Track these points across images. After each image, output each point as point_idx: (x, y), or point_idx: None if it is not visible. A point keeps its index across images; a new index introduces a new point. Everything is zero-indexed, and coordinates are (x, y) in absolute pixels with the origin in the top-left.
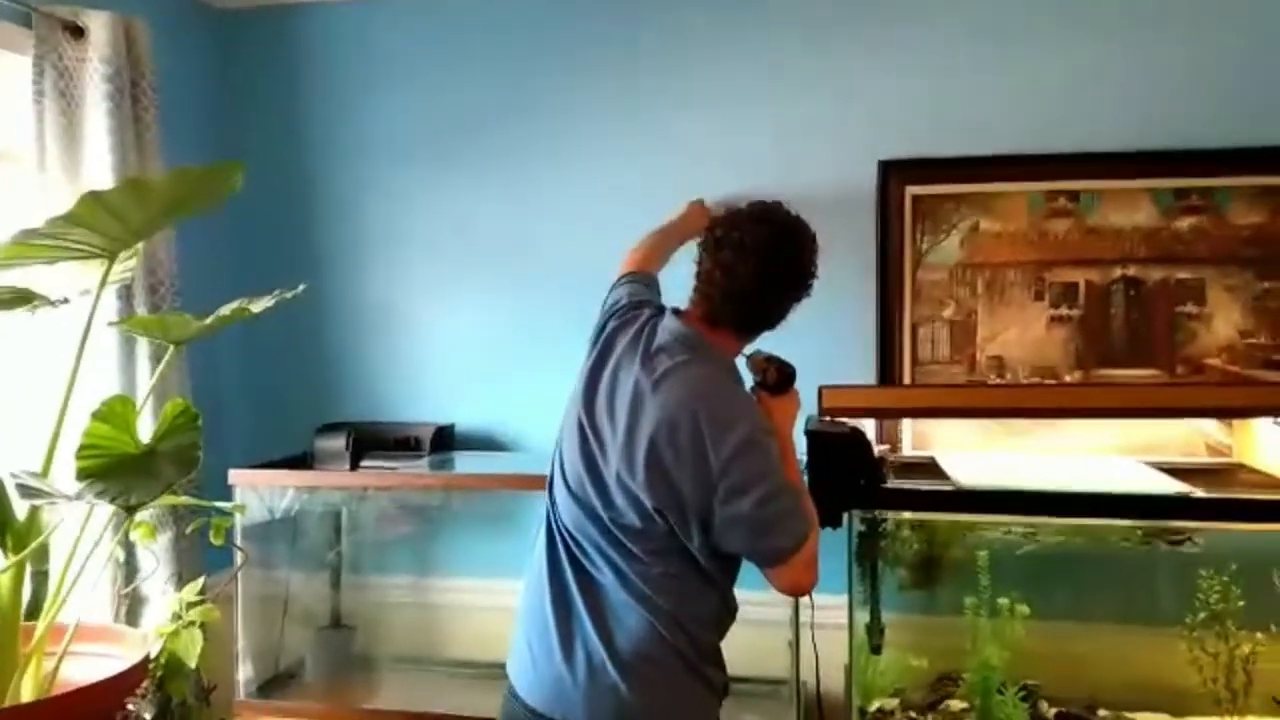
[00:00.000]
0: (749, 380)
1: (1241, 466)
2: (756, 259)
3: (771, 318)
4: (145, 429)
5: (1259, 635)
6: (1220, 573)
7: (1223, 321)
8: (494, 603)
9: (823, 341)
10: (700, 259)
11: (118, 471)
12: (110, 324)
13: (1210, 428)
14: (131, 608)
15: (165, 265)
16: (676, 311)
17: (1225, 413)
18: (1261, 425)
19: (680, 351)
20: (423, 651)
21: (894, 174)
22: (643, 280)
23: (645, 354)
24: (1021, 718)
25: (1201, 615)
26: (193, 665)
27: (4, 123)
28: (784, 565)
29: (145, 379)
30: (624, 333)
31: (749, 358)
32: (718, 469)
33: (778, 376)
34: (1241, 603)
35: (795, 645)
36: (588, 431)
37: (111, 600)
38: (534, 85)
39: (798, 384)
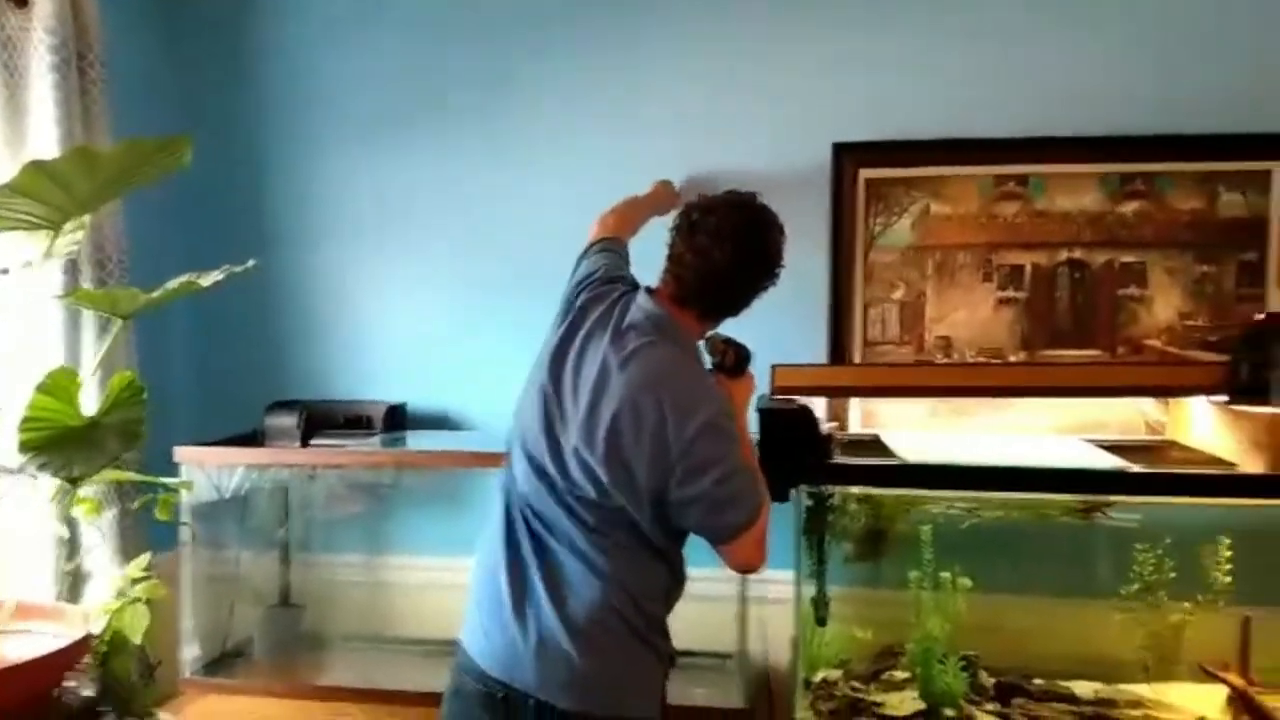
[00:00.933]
0: (707, 362)
1: (1173, 443)
2: (731, 245)
3: (738, 304)
4: (91, 404)
5: (1187, 605)
6: (1154, 546)
7: (1163, 304)
8: (445, 580)
9: (776, 321)
10: (673, 241)
11: (60, 444)
12: (56, 297)
13: (1148, 406)
14: (74, 585)
15: (113, 240)
16: (649, 290)
17: (1160, 391)
18: (1193, 403)
19: (650, 331)
20: (373, 629)
21: (848, 157)
22: (617, 250)
23: (616, 330)
24: (961, 687)
25: (1135, 587)
26: (137, 642)
27: None
28: (736, 542)
29: (91, 354)
30: (596, 306)
31: (708, 340)
32: (678, 451)
33: (735, 359)
34: (1173, 574)
35: (742, 619)
36: (550, 402)
37: (54, 578)
38: (490, 65)
39: (752, 366)
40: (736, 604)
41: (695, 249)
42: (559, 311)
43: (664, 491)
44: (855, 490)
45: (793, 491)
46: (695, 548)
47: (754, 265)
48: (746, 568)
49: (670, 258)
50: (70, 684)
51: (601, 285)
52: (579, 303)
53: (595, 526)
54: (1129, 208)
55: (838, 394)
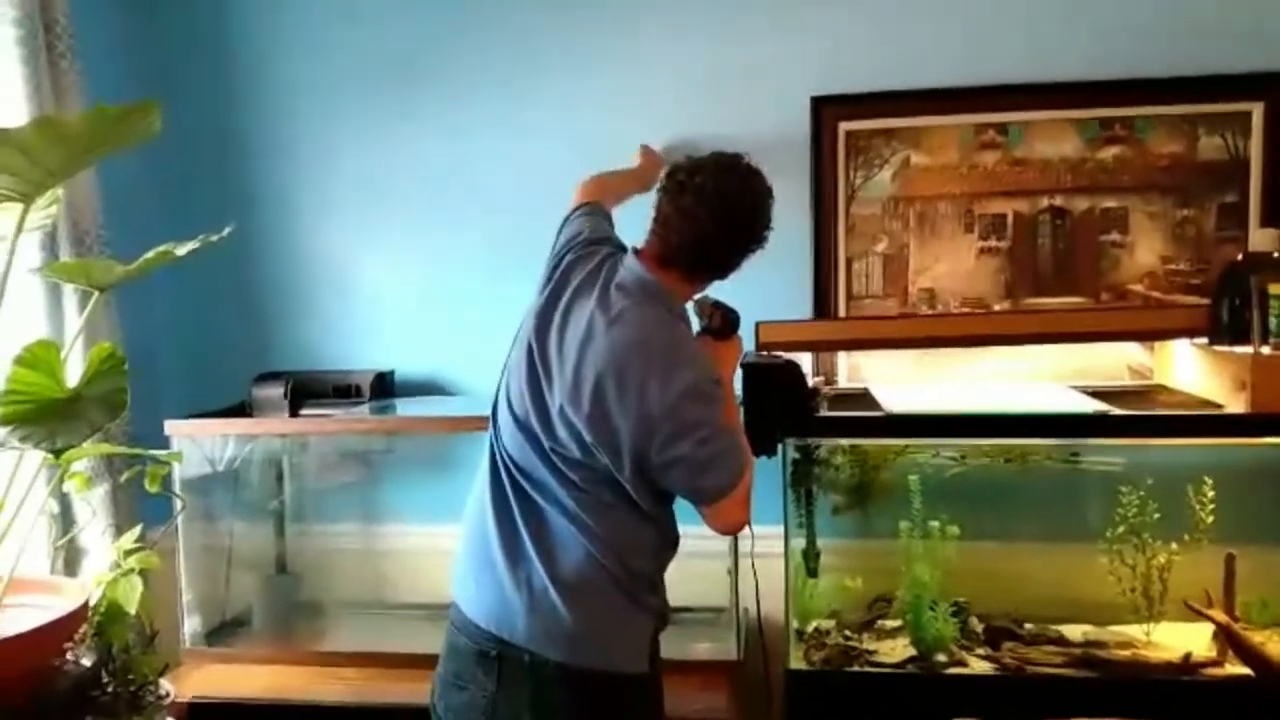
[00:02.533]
0: (696, 325)
1: (1161, 388)
2: (719, 209)
3: (726, 267)
4: (74, 377)
5: (1173, 546)
6: (1137, 488)
7: (1145, 249)
8: (438, 545)
9: (759, 277)
10: (660, 202)
11: (43, 416)
12: (31, 270)
13: (1133, 352)
14: (69, 560)
15: (90, 212)
16: (636, 251)
17: (1145, 336)
18: (1178, 347)
19: (636, 293)
20: (369, 595)
21: (827, 110)
22: (602, 214)
23: (603, 291)
24: (952, 633)
25: (1120, 529)
26: (132, 612)
27: None
28: (719, 504)
29: (74, 327)
30: (581, 267)
31: (696, 302)
32: (660, 413)
33: (723, 322)
34: (1158, 515)
35: (734, 573)
36: (536, 361)
37: (48, 553)
38: (472, 19)
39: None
40: (728, 558)
41: (682, 210)
42: (544, 273)
43: (647, 451)
44: (843, 442)
45: (780, 445)
46: (684, 504)
47: (741, 230)
48: (729, 529)
49: (656, 219)
50: (70, 656)
51: (587, 246)
52: (564, 263)
53: (581, 485)
54: (1109, 153)
55: (823, 348)
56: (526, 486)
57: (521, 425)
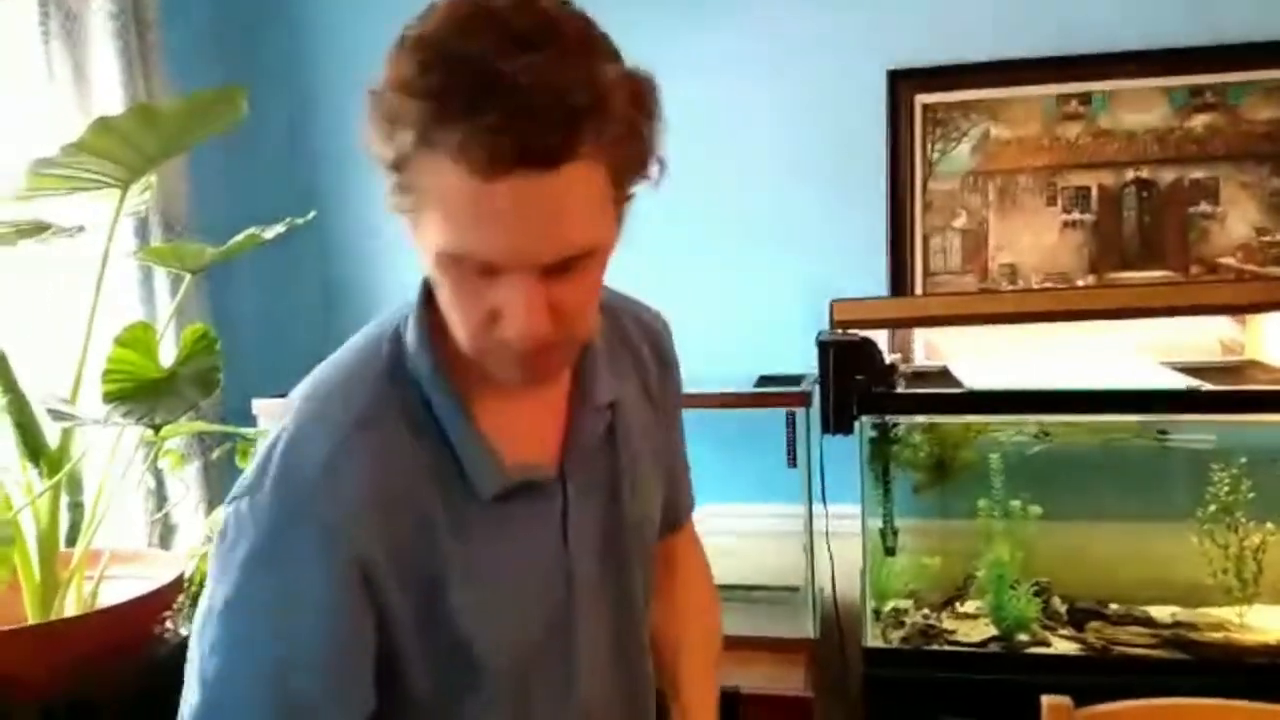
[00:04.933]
0: None
1: (1254, 363)
2: None
3: None
4: (167, 357)
5: (1269, 525)
6: (1230, 466)
7: (1237, 219)
8: None
9: (833, 255)
10: None
11: (142, 393)
12: (126, 254)
13: (1224, 326)
14: (164, 534)
15: (180, 197)
16: None
17: (1237, 309)
18: (1273, 321)
19: None
20: None
21: (903, 83)
22: None
23: None
24: (1034, 613)
25: (1212, 508)
26: None
27: (12, 67)
28: None
29: (166, 309)
30: None
31: None
32: None
33: None
34: (1251, 495)
35: (810, 551)
36: None
37: (145, 527)
38: None
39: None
40: (804, 537)
41: None
42: None
43: None
44: (920, 420)
45: (856, 424)
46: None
47: None
48: None
49: None
50: (167, 625)
51: None
52: None
53: None
54: (1198, 121)
55: (900, 325)
56: None
57: None
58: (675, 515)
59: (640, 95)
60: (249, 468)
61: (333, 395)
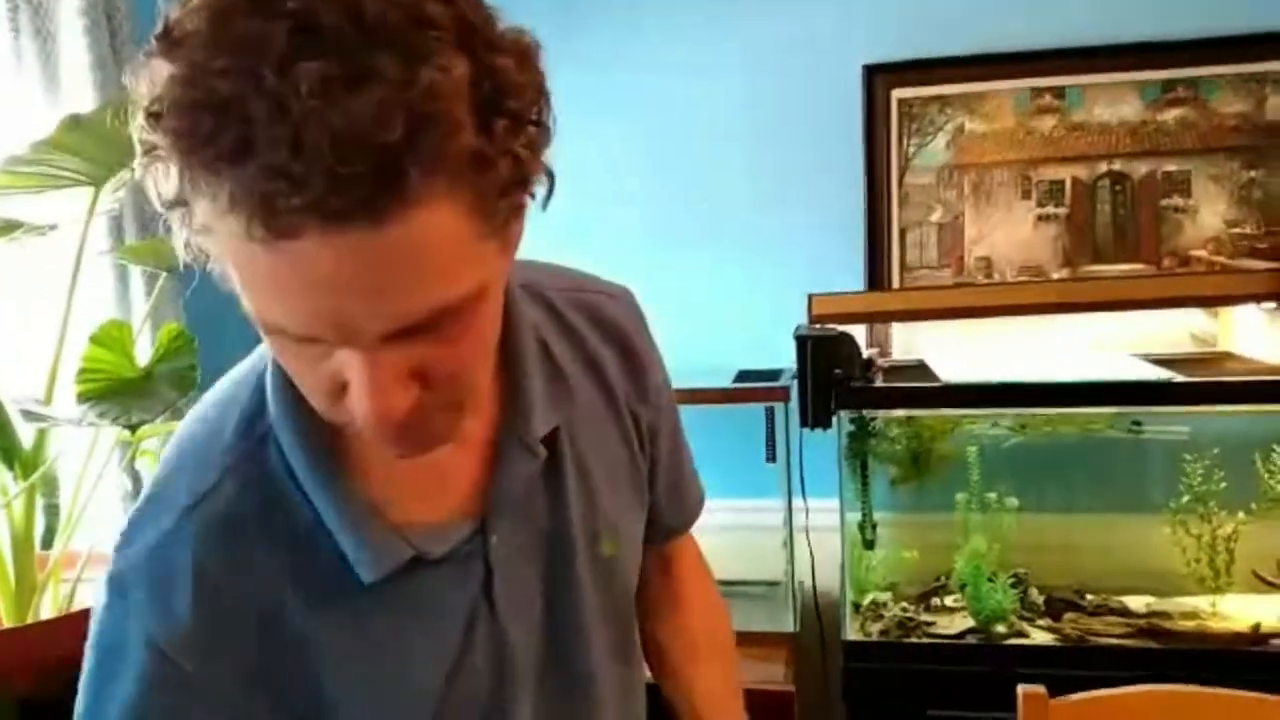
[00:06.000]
0: None
1: (1228, 355)
2: None
3: None
4: (143, 356)
5: (1240, 515)
6: (1203, 457)
7: (1209, 213)
8: None
9: (811, 250)
10: None
11: (117, 393)
12: (101, 253)
13: (1197, 319)
14: None
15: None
16: None
17: (1210, 301)
18: (1245, 313)
19: None
20: None
21: (878, 78)
22: None
23: None
24: (1012, 604)
25: (1185, 499)
26: None
27: None
28: None
29: (142, 308)
30: None
31: None
32: None
33: None
34: (1224, 485)
35: (789, 545)
36: None
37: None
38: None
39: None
40: (783, 531)
41: None
42: None
43: None
44: (898, 414)
45: (834, 418)
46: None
47: None
48: None
49: None
50: None
51: None
52: None
53: None
54: (1170, 115)
55: (877, 320)
56: None
57: None
58: (681, 519)
59: (503, 89)
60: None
61: (183, 465)
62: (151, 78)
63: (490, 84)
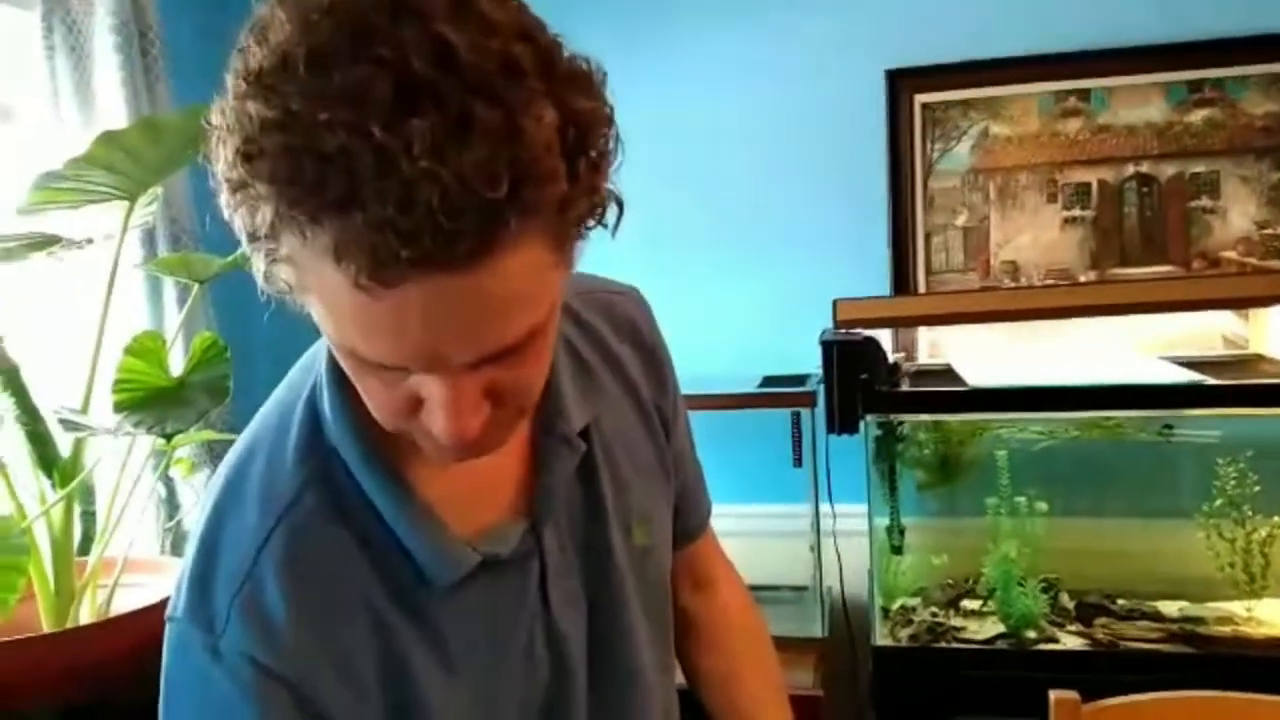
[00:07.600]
0: None
1: (1259, 357)
2: None
3: None
4: (177, 366)
5: (1276, 519)
6: (1236, 460)
7: (1238, 214)
8: None
9: (836, 255)
10: None
11: (152, 403)
12: (135, 266)
13: (1226, 321)
14: (176, 542)
15: (186, 210)
16: None
17: (1240, 303)
18: (1277, 314)
19: None
20: None
21: (902, 83)
22: None
23: None
24: (1042, 609)
25: (1218, 502)
26: None
27: (16, 81)
28: None
29: (173, 320)
30: None
31: None
32: None
33: None
34: (1258, 488)
35: (817, 550)
36: None
37: (157, 535)
38: None
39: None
40: (811, 536)
41: None
42: None
43: None
44: (925, 418)
45: (861, 423)
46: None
47: None
48: None
49: None
50: None
51: None
52: None
53: None
54: (1197, 116)
55: (903, 324)
56: None
57: None
58: (693, 522)
59: (586, 133)
60: (182, 570)
61: (248, 489)
62: (240, 118)
63: (575, 130)
